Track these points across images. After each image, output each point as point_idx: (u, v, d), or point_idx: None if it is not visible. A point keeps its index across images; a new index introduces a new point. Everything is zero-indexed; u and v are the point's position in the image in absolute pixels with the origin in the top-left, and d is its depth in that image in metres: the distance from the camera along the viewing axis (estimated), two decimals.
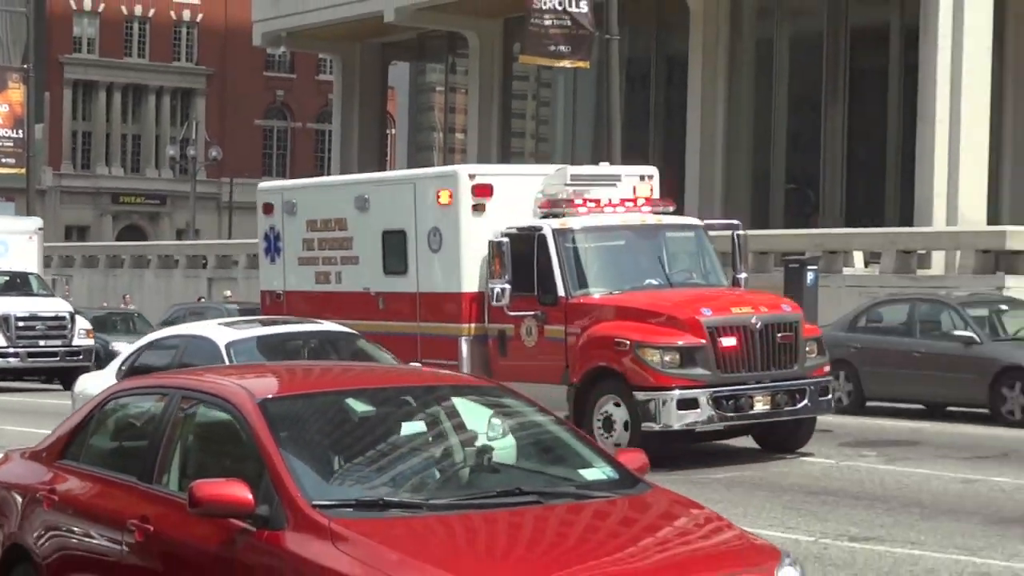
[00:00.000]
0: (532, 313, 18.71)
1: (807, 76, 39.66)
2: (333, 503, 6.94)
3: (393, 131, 60.19)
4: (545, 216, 19.39)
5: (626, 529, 7.22)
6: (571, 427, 8.34)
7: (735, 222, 21.27)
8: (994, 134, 34.76)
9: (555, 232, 18.68)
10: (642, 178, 20.44)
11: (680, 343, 17.36)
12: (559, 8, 31.24)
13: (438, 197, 20.00)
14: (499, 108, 48.24)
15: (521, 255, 18.63)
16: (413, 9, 44.61)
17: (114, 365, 17.67)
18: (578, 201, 19.32)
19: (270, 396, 7.71)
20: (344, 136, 53.90)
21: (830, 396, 18.68)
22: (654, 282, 18.97)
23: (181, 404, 8.03)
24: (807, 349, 18.19)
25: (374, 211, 21.30)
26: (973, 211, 32.77)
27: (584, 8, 30.86)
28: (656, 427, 17.20)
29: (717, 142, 40.47)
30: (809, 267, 27.17)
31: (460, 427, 8.08)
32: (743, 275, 20.23)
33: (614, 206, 19.48)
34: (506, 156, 48.04)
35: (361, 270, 21.51)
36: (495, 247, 18.94)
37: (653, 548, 7.04)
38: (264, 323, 17.99)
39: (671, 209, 20.36)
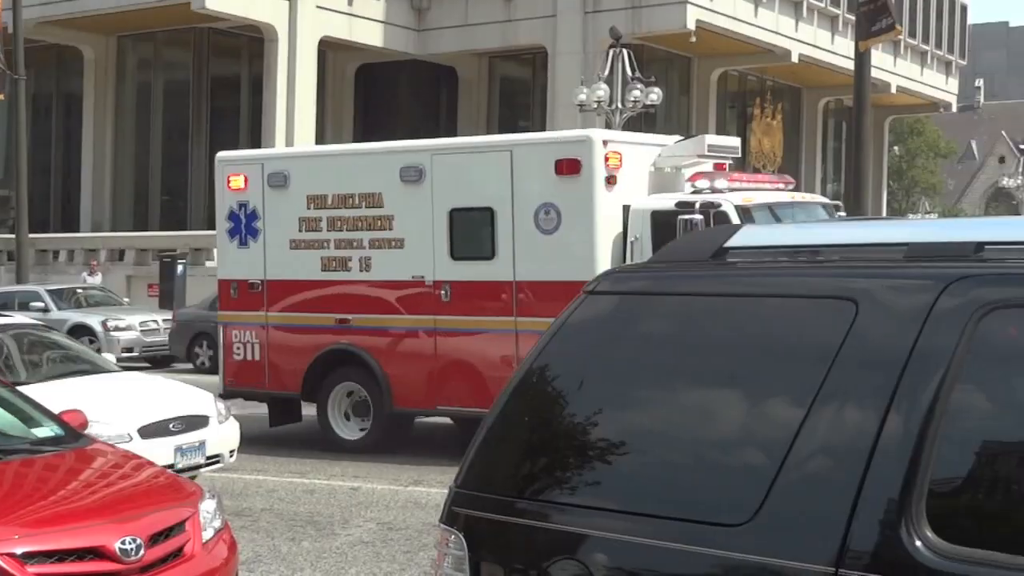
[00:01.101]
0: None
1: (178, 113, 38.71)
2: None
3: None
4: (696, 191, 13.53)
5: (74, 476, 6.75)
6: (23, 394, 7.60)
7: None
8: None
9: (738, 209, 13.09)
10: None
11: None
12: None
13: (559, 167, 13.20)
14: None
15: None
16: None
17: None
18: (737, 176, 14.31)
19: None
20: None
21: None
22: None
23: None
24: None
25: (436, 185, 13.95)
26: None
27: None
28: None
29: (106, 163, 38.96)
30: (179, 261, 26.86)
31: None
32: None
33: (773, 185, 14.56)
34: None
35: (409, 255, 14.09)
36: (685, 225, 12.71)
37: (98, 488, 6.65)
38: None
39: (793, 185, 15.29)
